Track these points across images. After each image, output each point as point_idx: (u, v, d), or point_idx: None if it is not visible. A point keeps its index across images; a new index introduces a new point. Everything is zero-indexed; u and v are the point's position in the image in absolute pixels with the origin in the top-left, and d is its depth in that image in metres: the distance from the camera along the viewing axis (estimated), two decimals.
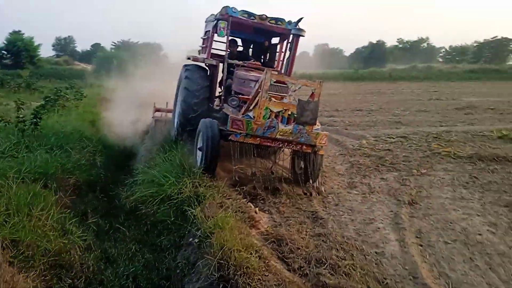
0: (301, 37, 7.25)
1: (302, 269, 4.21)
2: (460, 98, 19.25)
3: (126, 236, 5.77)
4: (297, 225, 5.24)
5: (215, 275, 4.01)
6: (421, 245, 4.67)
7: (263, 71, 7.79)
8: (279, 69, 8.41)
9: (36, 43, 47.60)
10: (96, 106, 14.76)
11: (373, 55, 64.65)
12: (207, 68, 8.31)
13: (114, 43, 63.23)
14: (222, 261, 4.07)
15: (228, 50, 7.98)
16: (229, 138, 5.93)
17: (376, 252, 4.52)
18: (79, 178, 7.06)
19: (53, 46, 72.95)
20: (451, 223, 5.24)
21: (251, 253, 4.10)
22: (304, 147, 6.15)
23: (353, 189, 6.61)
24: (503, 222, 5.21)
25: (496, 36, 60.88)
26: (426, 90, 24.49)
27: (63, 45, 73.94)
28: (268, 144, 6.07)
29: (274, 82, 5.96)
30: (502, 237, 4.81)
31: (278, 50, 8.69)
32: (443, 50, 69.28)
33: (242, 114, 6.15)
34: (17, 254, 4.17)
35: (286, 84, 6.22)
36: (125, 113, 12.44)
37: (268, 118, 5.86)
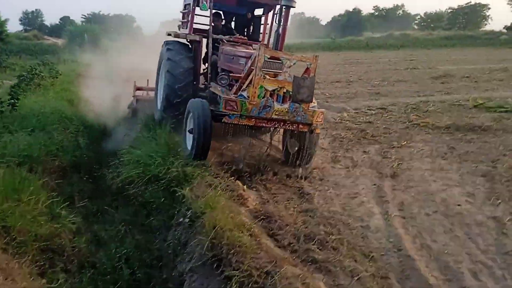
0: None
1: (291, 245, 4.36)
2: (436, 67, 19.52)
3: (114, 217, 5.82)
4: (284, 201, 5.38)
5: (208, 255, 4.12)
6: (404, 218, 4.88)
7: (249, 46, 7.56)
8: (264, 42, 8.05)
9: (2, 18, 45.54)
10: (73, 83, 14.41)
11: (350, 23, 64.55)
12: (189, 44, 7.96)
13: (84, 16, 61.22)
14: (214, 241, 4.17)
15: (212, 24, 7.58)
16: (222, 120, 5.70)
17: (361, 226, 4.71)
18: (63, 161, 7.00)
19: (20, 20, 70.18)
20: (431, 194, 5.47)
21: (242, 232, 4.21)
22: (301, 126, 5.91)
23: (336, 164, 6.77)
24: (481, 192, 5.47)
25: (470, 2, 61.43)
26: (403, 59, 24.69)
27: (31, 19, 71.09)
28: (264, 124, 5.85)
29: (268, 58, 5.70)
30: (480, 207, 5.06)
31: (262, 22, 8.31)
32: (418, 17, 69.67)
33: (234, 93, 5.91)
34: (9, 240, 4.18)
35: (280, 60, 5.86)
36: (104, 90, 12.22)
37: (263, 97, 5.62)
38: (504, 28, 48.15)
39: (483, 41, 38.64)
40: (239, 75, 6.09)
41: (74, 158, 7.45)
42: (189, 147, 6.08)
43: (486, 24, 61.02)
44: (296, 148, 6.37)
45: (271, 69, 5.87)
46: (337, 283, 3.72)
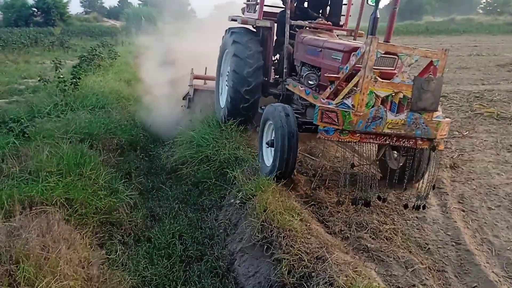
0: None
1: (342, 232, 4.31)
2: (503, 54, 18.28)
3: (168, 195, 5.98)
4: (336, 188, 5.29)
5: (258, 236, 4.16)
6: (464, 211, 4.66)
7: (332, 33, 6.41)
8: (347, 27, 6.95)
9: (64, 0, 47.71)
10: (130, 65, 14.90)
11: (409, 6, 61.64)
12: (256, 31, 6.91)
13: None
14: (265, 223, 4.20)
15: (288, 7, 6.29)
16: (318, 136, 4.41)
17: (417, 217, 4.54)
18: (121, 138, 7.28)
19: (81, 2, 72.91)
20: (494, 188, 5.18)
21: (292, 216, 4.20)
22: (420, 142, 4.50)
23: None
24: None
25: None
26: (466, 45, 23.35)
27: (91, 1, 73.77)
28: (371, 141, 4.45)
29: (383, 54, 4.35)
30: None
31: (345, 1, 7.03)
32: (484, 1, 65.36)
33: (328, 98, 4.55)
34: (71, 212, 4.42)
35: (395, 55, 4.67)
36: (160, 72, 12.51)
37: (373, 106, 4.27)
38: None
39: None
40: (334, 74, 4.68)
41: (131, 137, 7.72)
42: (267, 163, 5.12)
43: None
44: (401, 164, 5.08)
45: (381, 66, 4.68)
46: (390, 273, 3.63)
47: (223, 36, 7.37)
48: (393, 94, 4.36)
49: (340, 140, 4.40)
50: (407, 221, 4.43)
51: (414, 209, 4.53)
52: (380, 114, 4.25)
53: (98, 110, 7.79)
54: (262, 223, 4.20)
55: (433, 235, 4.23)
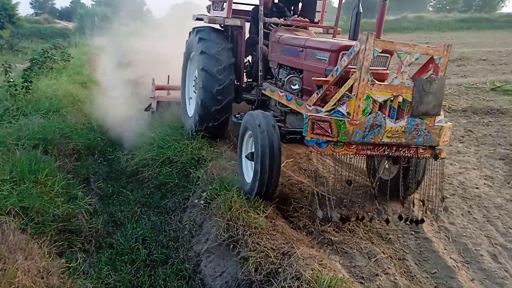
0: None
1: (307, 227, 4.36)
2: (452, 50, 19.09)
3: (130, 199, 5.85)
4: (299, 184, 5.35)
5: (224, 236, 4.14)
6: (421, 200, 4.82)
7: (307, 31, 6.03)
8: (323, 24, 6.50)
9: (13, 1, 45.61)
10: (84, 67, 14.45)
11: (363, 5, 63.32)
12: (224, 30, 6.42)
13: None
14: (230, 222, 4.18)
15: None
16: (310, 151, 4.07)
17: (377, 209, 4.64)
18: (77, 143, 7.04)
19: (31, 3, 69.84)
20: (448, 177, 5.39)
21: (258, 213, 4.21)
22: (421, 150, 4.05)
23: None
24: (499, 175, 5.39)
25: None
26: (418, 42, 24.23)
27: (41, 3, 70.86)
28: (369, 152, 3.90)
29: (380, 52, 3.79)
30: (498, 190, 4.99)
31: None
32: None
33: (315, 105, 4.16)
34: (27, 221, 4.23)
35: (388, 54, 4.35)
36: (117, 74, 12.23)
37: (370, 113, 3.72)
38: None
39: (499, 24, 37.62)
40: (321, 78, 4.19)
41: (88, 141, 7.48)
42: (247, 179, 4.57)
43: (503, 7, 59.52)
44: (393, 175, 4.60)
45: (373, 67, 4.16)
46: (354, 264, 3.72)
47: (186, 40, 6.82)
48: (392, 99, 3.81)
49: (334, 153, 3.86)
50: (368, 213, 4.53)
51: (411, 223, 4.09)
52: (378, 121, 3.72)
53: (52, 114, 7.49)
54: (228, 222, 4.19)
55: (393, 225, 4.36)
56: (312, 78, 4.19)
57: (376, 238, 4.11)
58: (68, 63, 13.27)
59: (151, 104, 8.37)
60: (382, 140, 3.81)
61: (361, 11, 4.79)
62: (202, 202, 5.00)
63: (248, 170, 4.64)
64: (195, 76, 6.42)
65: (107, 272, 4.18)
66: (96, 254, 4.53)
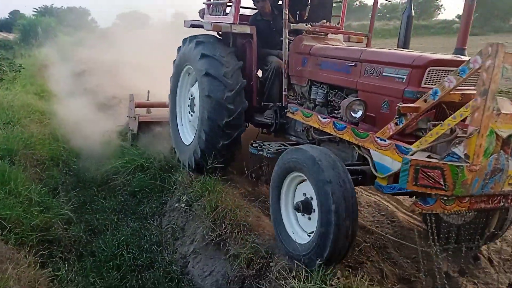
0: None
1: None
2: None
3: (104, 207, 5.76)
4: None
5: (212, 235, 4.22)
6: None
7: (327, 37, 5.09)
8: (341, 27, 5.36)
9: None
10: (36, 77, 13.94)
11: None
12: (222, 38, 5.27)
13: (36, 9, 58.35)
14: (217, 222, 4.28)
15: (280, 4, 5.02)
16: (410, 209, 3.05)
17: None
18: (41, 153, 6.82)
19: None
20: None
21: (242, 212, 4.32)
22: None
23: None
24: None
25: None
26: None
27: None
28: (482, 206, 2.94)
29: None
30: None
31: None
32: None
33: (392, 139, 3.19)
34: (7, 232, 4.10)
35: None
36: (72, 84, 11.93)
37: (490, 154, 2.77)
38: (456, 17, 50.27)
39: (437, 30, 40.15)
40: (397, 101, 3.24)
41: (51, 151, 7.26)
42: (297, 237, 3.43)
43: (439, 14, 63.41)
44: (466, 219, 3.62)
45: (464, 86, 3.19)
46: None
47: (179, 48, 5.64)
48: None
49: (445, 211, 2.92)
50: None
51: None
52: (500, 164, 2.79)
53: (13, 125, 7.20)
54: (214, 222, 4.28)
55: (370, 217, 4.62)
56: (400, 105, 3.04)
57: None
58: (18, 74, 12.75)
59: (128, 125, 7.25)
60: (503, 189, 2.87)
61: (413, 14, 4.04)
62: (183, 205, 5.05)
63: (293, 225, 3.54)
64: (191, 95, 5.37)
65: (93, 279, 4.12)
66: (78, 263, 4.44)
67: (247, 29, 4.96)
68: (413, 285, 3.57)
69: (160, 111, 7.43)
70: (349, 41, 5.57)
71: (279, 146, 4.60)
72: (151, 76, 10.01)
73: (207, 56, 4.83)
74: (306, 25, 4.82)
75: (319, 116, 4.07)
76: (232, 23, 4.92)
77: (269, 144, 4.65)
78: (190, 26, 5.67)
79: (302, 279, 3.09)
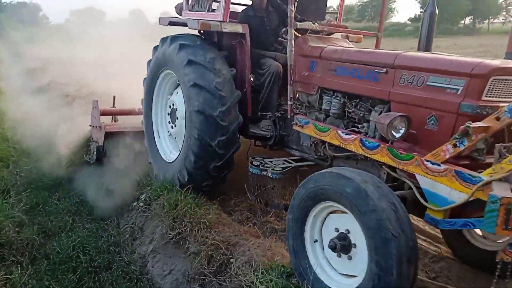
0: None
1: (249, 219, 4.58)
2: None
3: (59, 208, 5.58)
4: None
5: (171, 234, 4.20)
6: None
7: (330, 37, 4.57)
8: (339, 24, 5.01)
9: None
10: None
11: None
12: (205, 38, 4.72)
13: None
14: (176, 220, 4.26)
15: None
16: (499, 258, 2.33)
17: None
18: None
19: None
20: None
21: (202, 210, 4.33)
22: None
23: None
24: None
25: None
26: None
27: None
28: None
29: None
30: None
31: None
32: (332, 9, 72.85)
33: (447, 163, 2.64)
34: None
35: None
36: (24, 81, 11.43)
37: None
38: (408, 20, 52.33)
39: (390, 32, 41.79)
40: (447, 117, 2.80)
41: (1, 151, 6.96)
42: (331, 283, 2.80)
43: (392, 16, 65.69)
44: (498, 246, 3.05)
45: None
46: None
47: (155, 47, 4.92)
48: None
49: None
50: None
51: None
52: None
53: None
54: (174, 220, 4.26)
55: None
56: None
57: None
58: None
59: (92, 137, 6.20)
60: None
61: (437, 12, 3.51)
62: (141, 204, 4.99)
63: (324, 266, 2.89)
64: (172, 104, 4.76)
65: (48, 282, 3.99)
66: (31, 266, 4.29)
67: (239, 28, 4.34)
68: None
69: (128, 119, 6.46)
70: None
71: (283, 163, 4.15)
72: (108, 74, 9.78)
73: (194, 63, 4.19)
74: (314, 23, 4.27)
75: (339, 131, 3.48)
76: (222, 21, 4.31)
77: (271, 162, 4.19)
78: (168, 24, 4.91)
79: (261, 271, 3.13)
